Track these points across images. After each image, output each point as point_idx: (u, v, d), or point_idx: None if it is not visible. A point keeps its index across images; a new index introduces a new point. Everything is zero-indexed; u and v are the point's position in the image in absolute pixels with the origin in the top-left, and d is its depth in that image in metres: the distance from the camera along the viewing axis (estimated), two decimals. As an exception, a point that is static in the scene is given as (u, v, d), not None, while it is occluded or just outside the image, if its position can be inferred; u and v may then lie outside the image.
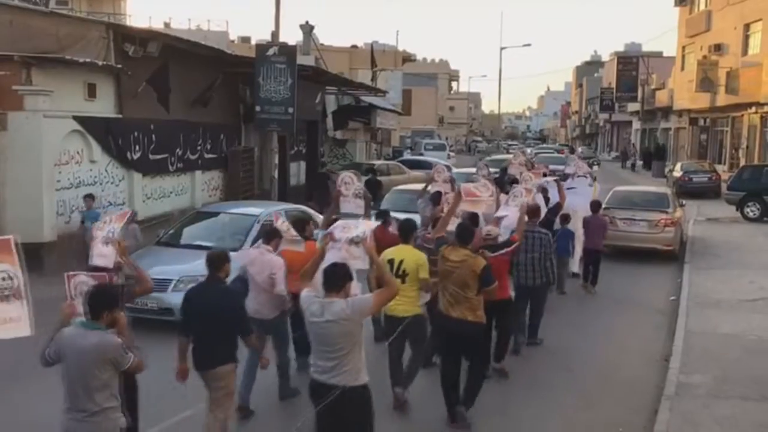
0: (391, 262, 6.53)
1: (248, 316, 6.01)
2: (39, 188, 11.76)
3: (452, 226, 7.31)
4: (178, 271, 9.31)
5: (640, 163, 45.56)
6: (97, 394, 4.27)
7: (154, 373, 7.04)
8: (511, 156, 19.63)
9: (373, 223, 6.12)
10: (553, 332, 9.18)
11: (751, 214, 20.78)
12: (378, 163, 27.17)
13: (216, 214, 11.84)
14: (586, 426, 6.79)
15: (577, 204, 11.79)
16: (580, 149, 65.84)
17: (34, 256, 11.76)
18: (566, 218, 11.25)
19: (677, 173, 28.92)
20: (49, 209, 11.91)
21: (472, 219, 7.79)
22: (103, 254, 5.49)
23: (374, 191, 19.97)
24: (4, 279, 4.38)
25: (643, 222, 14.70)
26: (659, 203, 15.48)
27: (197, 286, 6.07)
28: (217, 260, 5.73)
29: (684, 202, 18.27)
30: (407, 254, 6.72)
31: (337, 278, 4.77)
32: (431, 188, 10.62)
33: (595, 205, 12.26)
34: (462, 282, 6.38)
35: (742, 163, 29.18)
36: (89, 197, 12.30)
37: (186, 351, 5.81)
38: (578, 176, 13.10)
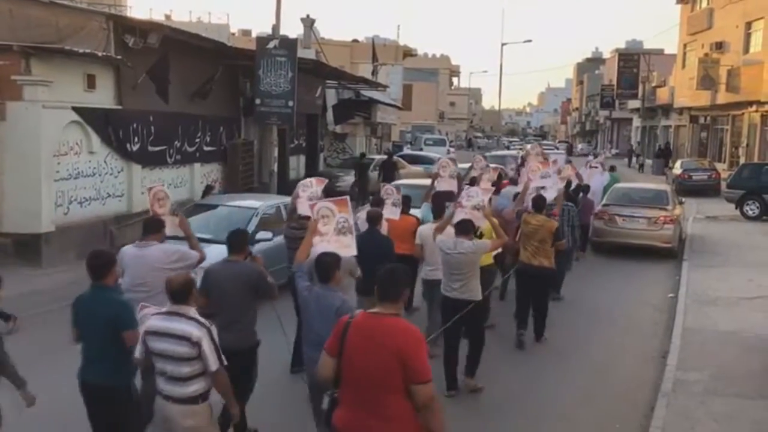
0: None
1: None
2: (38, 179, 11.73)
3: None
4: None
5: (649, 161, 42.47)
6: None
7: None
8: (513, 152, 21.09)
9: (489, 193, 9.01)
10: (551, 328, 9.18)
11: (750, 213, 20.79)
12: (377, 157, 27.18)
13: (215, 206, 11.83)
14: (583, 421, 6.79)
15: (593, 191, 14.66)
16: (580, 146, 65.87)
17: (32, 247, 11.79)
18: (587, 189, 14.24)
19: (677, 171, 28.94)
20: (47, 200, 11.89)
21: (538, 199, 9.39)
22: (308, 210, 6.94)
23: (391, 172, 20.60)
24: (344, 222, 6.08)
25: (643, 219, 14.70)
26: (658, 200, 15.49)
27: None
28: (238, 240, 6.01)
29: (683, 199, 18.29)
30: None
31: (468, 227, 7.28)
32: (437, 184, 10.51)
33: (585, 188, 14.28)
34: (542, 238, 8.75)
35: (742, 161, 29.18)
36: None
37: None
38: (591, 166, 16.76)
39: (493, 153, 30.11)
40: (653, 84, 50.58)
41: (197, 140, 16.72)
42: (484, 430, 6.56)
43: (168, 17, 34.59)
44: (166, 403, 4.52)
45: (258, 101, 17.96)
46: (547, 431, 6.54)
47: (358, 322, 3.90)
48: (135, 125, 14.15)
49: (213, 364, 4.41)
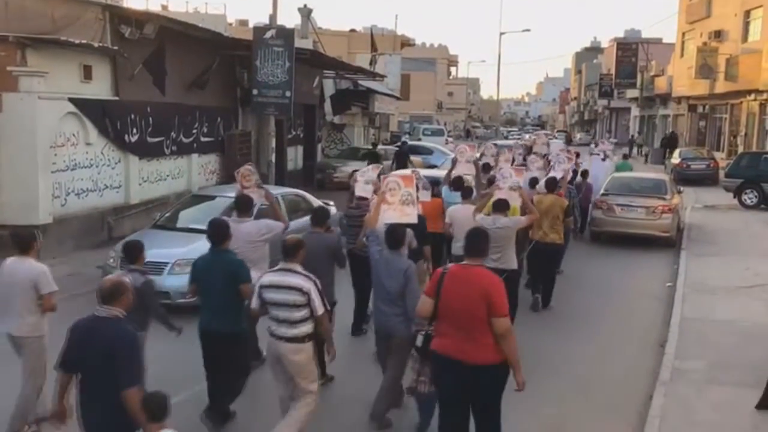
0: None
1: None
2: (34, 170, 11.69)
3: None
4: (174, 254, 9.28)
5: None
6: None
7: (151, 356, 7.06)
8: (512, 142, 24.50)
9: (521, 176, 9.95)
10: (548, 316, 9.18)
11: (748, 201, 20.78)
12: (388, 148, 27.17)
13: (212, 197, 11.80)
14: (581, 410, 6.81)
15: (593, 176, 15.58)
16: (578, 135, 65.83)
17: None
18: (586, 174, 15.23)
19: (675, 160, 28.90)
20: (44, 192, 11.85)
21: (550, 180, 10.76)
22: (366, 190, 8.52)
23: (404, 161, 21.26)
24: (407, 195, 7.02)
25: (641, 208, 14.70)
26: (657, 190, 15.47)
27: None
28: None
29: (682, 188, 18.29)
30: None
31: (504, 205, 8.42)
32: (455, 171, 11.09)
33: (584, 173, 15.20)
34: (555, 215, 9.90)
35: (741, 150, 29.15)
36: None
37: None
38: (593, 154, 18.66)
39: (497, 142, 30.13)
40: (652, 73, 50.45)
41: (194, 131, 16.67)
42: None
43: (164, 7, 34.40)
44: (279, 343, 5.40)
45: (255, 92, 17.89)
46: (544, 419, 6.55)
47: (453, 272, 5.05)
48: (132, 116, 14.10)
49: (319, 308, 5.36)
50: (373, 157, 22.75)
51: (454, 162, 11.54)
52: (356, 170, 9.95)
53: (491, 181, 10.23)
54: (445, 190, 10.75)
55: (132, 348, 4.27)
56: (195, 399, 6.20)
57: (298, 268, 5.46)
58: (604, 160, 18.22)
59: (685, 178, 25.83)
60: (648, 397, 6.98)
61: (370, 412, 6.16)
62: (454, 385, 5.02)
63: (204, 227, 8.63)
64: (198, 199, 11.90)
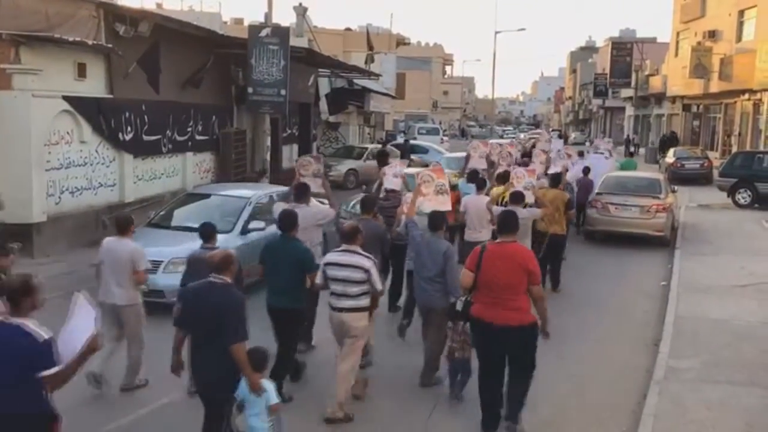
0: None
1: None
2: (28, 168, 11.63)
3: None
4: (169, 252, 9.26)
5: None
6: None
7: (145, 355, 7.05)
8: (507, 141, 25.29)
9: (533, 175, 10.76)
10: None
11: (742, 201, 20.85)
12: (371, 146, 27.12)
13: (207, 196, 11.78)
14: (575, 409, 6.82)
15: (595, 174, 16.05)
16: (573, 135, 65.94)
17: (23, 237, 11.70)
18: (587, 170, 15.91)
19: (669, 159, 28.96)
20: (38, 190, 11.79)
21: (555, 175, 11.83)
22: (395, 183, 9.58)
23: (407, 158, 21.90)
24: (441, 186, 8.14)
25: (635, 207, 14.73)
26: (651, 189, 15.50)
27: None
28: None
29: (676, 188, 18.33)
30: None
31: (520, 198, 9.45)
32: (469, 165, 12.25)
33: (586, 170, 15.88)
34: (557, 207, 10.66)
35: (735, 149, 29.25)
36: None
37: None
38: (597, 152, 19.53)
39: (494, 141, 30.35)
40: (646, 72, 50.53)
41: (189, 129, 16.63)
42: (476, 418, 6.58)
43: (159, 5, 34.33)
44: (341, 314, 6.25)
45: (250, 90, 17.85)
46: (539, 418, 6.55)
47: (491, 248, 5.94)
48: (127, 114, 14.05)
49: (378, 285, 6.28)
50: (382, 156, 22.87)
51: (468, 157, 12.67)
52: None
53: (501, 177, 11.42)
54: (461, 182, 11.60)
55: (239, 309, 4.95)
56: (186, 399, 6.19)
57: (359, 249, 6.31)
58: (607, 158, 19.16)
59: (679, 177, 25.88)
60: (642, 395, 7.00)
61: (421, 374, 7.09)
62: (492, 345, 5.86)
63: (197, 225, 8.72)
64: (193, 197, 11.87)
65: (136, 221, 11.29)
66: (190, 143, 16.66)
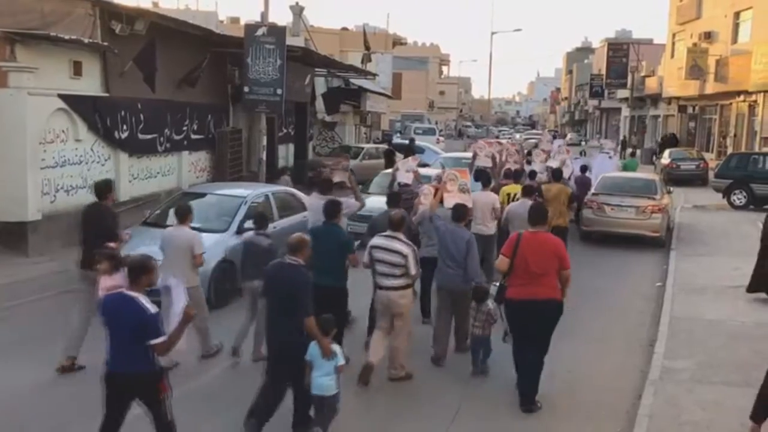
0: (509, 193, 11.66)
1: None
2: (23, 167, 11.60)
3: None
4: (164, 251, 9.21)
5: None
6: None
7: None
8: (506, 140, 26.65)
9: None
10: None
11: (737, 202, 20.89)
12: (367, 146, 27.11)
13: (203, 195, 11.74)
14: (570, 409, 6.82)
15: (599, 172, 16.94)
16: (569, 135, 66.03)
17: (18, 235, 11.68)
18: (585, 168, 16.68)
19: (665, 160, 29.02)
20: (33, 188, 11.76)
21: (557, 170, 12.77)
22: (407, 178, 10.65)
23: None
24: (464, 185, 9.21)
25: (631, 208, 14.74)
26: (647, 190, 15.51)
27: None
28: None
29: (671, 189, 18.36)
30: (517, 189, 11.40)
31: (531, 191, 10.40)
32: (476, 163, 13.03)
33: (583, 168, 16.49)
34: (561, 201, 11.38)
35: (730, 151, 29.30)
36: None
37: None
38: (603, 152, 21.27)
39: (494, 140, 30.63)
40: (642, 74, 50.63)
41: (185, 128, 16.60)
42: (471, 416, 6.57)
43: (155, 4, 34.29)
44: (387, 292, 7.09)
45: (246, 89, 17.83)
46: (534, 419, 6.55)
47: (527, 236, 6.64)
48: (122, 113, 14.02)
49: (414, 269, 7.06)
50: (390, 155, 23.91)
51: (475, 155, 13.51)
52: (323, 167, 12.04)
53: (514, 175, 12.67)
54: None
55: (309, 287, 5.74)
56: (189, 394, 6.18)
57: (402, 236, 7.12)
58: (611, 157, 20.36)
59: (674, 178, 25.94)
60: (637, 396, 7.00)
61: (455, 344, 8.01)
62: (526, 320, 6.60)
63: (195, 224, 8.70)
64: (188, 196, 11.81)
65: (131, 220, 11.35)
66: (185, 142, 16.63)
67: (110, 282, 5.87)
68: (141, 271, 4.85)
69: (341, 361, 5.84)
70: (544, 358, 6.74)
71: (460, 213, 8.03)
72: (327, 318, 5.88)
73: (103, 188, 7.91)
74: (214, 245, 9.26)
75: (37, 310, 8.92)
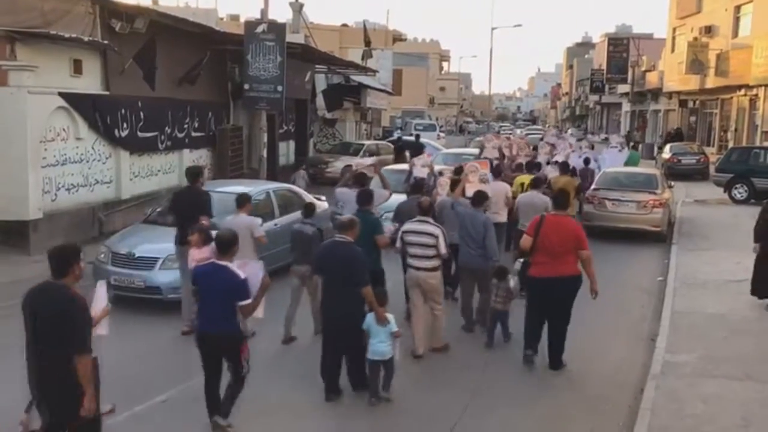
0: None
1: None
2: (24, 165, 11.60)
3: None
4: (166, 249, 9.22)
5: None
6: None
7: (141, 352, 7.05)
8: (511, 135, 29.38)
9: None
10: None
11: (738, 196, 20.86)
12: (368, 143, 27.09)
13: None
14: (573, 403, 6.83)
15: (609, 165, 17.80)
16: (569, 131, 65.99)
17: (20, 234, 11.69)
18: (587, 161, 17.37)
19: (666, 155, 28.98)
20: (34, 187, 11.76)
21: (564, 164, 13.88)
22: (422, 173, 11.45)
23: (419, 152, 21.93)
24: (484, 176, 10.30)
25: (632, 203, 14.73)
26: (648, 184, 15.49)
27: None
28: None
29: (672, 183, 18.35)
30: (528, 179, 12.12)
31: (541, 182, 11.15)
32: (483, 154, 13.83)
33: (586, 161, 17.17)
34: (568, 191, 10.80)
35: (731, 145, 29.27)
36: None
37: None
38: (611, 146, 21.81)
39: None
40: (643, 68, 50.58)
41: (185, 126, 16.59)
42: (475, 412, 6.58)
43: (155, 2, 34.17)
44: (418, 273, 7.71)
45: (247, 86, 17.82)
46: (537, 413, 6.57)
47: (549, 218, 7.39)
48: (123, 111, 14.02)
49: (443, 250, 7.63)
50: (400, 150, 24.75)
51: (482, 148, 14.30)
52: (349, 165, 13.34)
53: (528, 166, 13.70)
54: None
55: (363, 261, 6.40)
56: (181, 396, 6.20)
57: (431, 220, 7.81)
58: (620, 151, 21.02)
59: (675, 173, 25.88)
60: (639, 390, 7.01)
61: (475, 318, 8.71)
62: (550, 295, 7.30)
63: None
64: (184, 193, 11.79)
65: (132, 218, 11.36)
66: (186, 140, 16.63)
67: (199, 255, 6.94)
68: (230, 244, 5.67)
69: (395, 328, 6.45)
70: (567, 327, 7.43)
71: (480, 198, 8.71)
72: (381, 290, 6.62)
73: (195, 173, 8.92)
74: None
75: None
